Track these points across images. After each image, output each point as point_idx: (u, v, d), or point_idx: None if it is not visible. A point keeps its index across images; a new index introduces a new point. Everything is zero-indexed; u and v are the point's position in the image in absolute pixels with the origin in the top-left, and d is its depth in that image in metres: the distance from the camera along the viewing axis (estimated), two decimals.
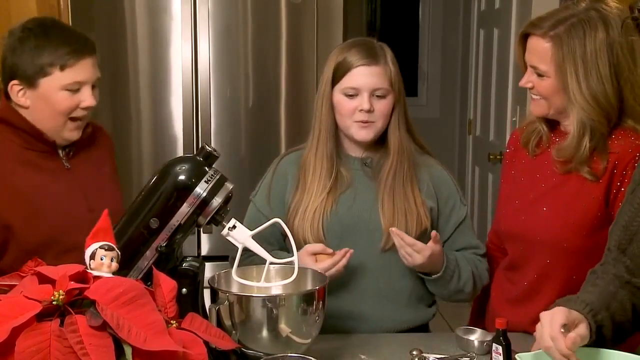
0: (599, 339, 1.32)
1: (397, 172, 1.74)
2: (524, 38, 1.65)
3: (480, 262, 1.80)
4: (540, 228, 1.65)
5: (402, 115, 1.76)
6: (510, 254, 1.76)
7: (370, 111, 1.70)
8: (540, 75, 1.60)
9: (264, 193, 1.82)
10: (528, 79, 1.64)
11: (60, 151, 1.70)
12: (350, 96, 1.71)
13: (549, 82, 1.59)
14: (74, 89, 1.62)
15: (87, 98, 1.64)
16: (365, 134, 1.73)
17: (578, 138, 1.58)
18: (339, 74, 1.72)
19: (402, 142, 1.75)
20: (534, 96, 1.66)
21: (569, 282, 1.64)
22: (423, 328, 1.83)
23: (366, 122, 1.71)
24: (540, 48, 1.59)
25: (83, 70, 1.62)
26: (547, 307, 1.62)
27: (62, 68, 1.59)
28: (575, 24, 1.55)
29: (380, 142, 1.77)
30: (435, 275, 1.72)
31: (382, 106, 1.71)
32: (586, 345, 1.30)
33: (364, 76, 1.70)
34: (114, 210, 1.77)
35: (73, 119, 1.65)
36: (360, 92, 1.70)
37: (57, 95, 1.61)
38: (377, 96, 1.70)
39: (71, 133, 1.66)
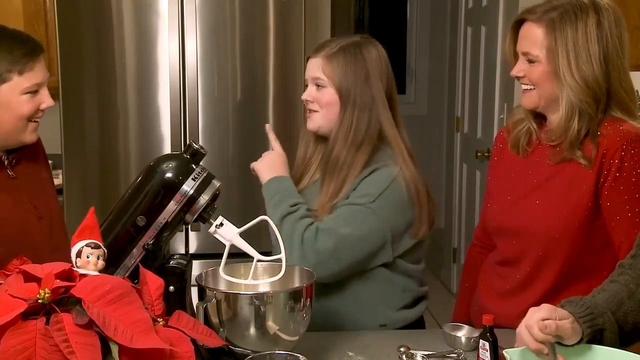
0: (600, 342, 1.32)
1: (331, 157, 1.71)
2: (516, 27, 1.67)
3: (308, 228, 1.65)
4: (533, 221, 1.67)
5: (354, 120, 1.70)
6: (502, 250, 1.76)
7: (309, 101, 1.75)
8: (531, 61, 1.62)
9: None
10: (519, 68, 1.65)
11: (4, 161, 1.66)
12: (305, 86, 1.78)
13: (540, 68, 1.61)
14: (34, 90, 1.59)
15: (46, 99, 1.62)
16: (309, 123, 1.77)
17: (566, 118, 1.60)
18: None
19: (342, 129, 1.70)
20: (524, 87, 1.66)
21: (561, 275, 1.65)
22: (418, 324, 1.83)
23: (309, 111, 1.76)
24: (533, 33, 1.61)
25: (39, 71, 1.60)
26: (537, 300, 1.64)
27: (21, 72, 1.56)
28: (568, 10, 1.59)
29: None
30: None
31: (319, 96, 1.74)
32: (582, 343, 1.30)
33: (309, 67, 1.76)
34: (59, 216, 1.78)
35: (32, 121, 1.63)
36: (308, 83, 1.77)
37: (18, 100, 1.58)
38: (318, 85, 1.74)
39: (31, 135, 1.64)
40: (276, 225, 1.53)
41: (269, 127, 1.85)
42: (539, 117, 1.72)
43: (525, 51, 1.63)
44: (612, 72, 1.60)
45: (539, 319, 1.26)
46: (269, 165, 1.77)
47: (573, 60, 1.58)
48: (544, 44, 1.59)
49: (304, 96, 1.76)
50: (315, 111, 1.75)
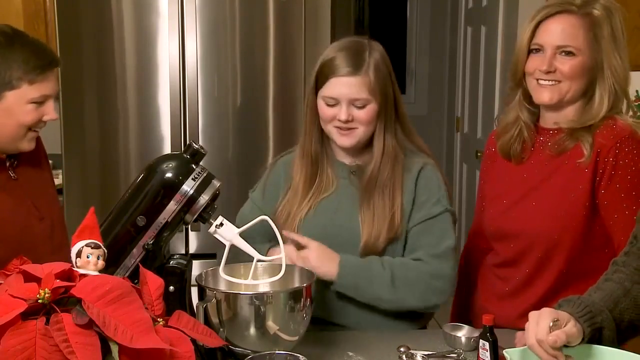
0: (599, 341, 1.32)
1: (378, 179, 1.70)
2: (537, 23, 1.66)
3: (421, 264, 1.66)
4: (531, 223, 1.67)
5: (390, 120, 1.71)
6: (501, 252, 1.76)
7: (349, 120, 1.67)
8: (569, 53, 1.62)
9: (261, 191, 1.83)
10: (551, 62, 1.62)
11: (6, 162, 1.65)
12: (330, 105, 1.68)
13: (578, 60, 1.62)
14: (40, 101, 1.59)
15: (50, 111, 1.61)
16: (346, 141, 1.70)
17: (607, 104, 1.62)
18: (321, 78, 1.68)
19: (385, 148, 1.71)
20: (546, 82, 1.64)
21: (561, 276, 1.66)
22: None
23: (346, 129, 1.68)
24: (572, 25, 1.62)
25: (50, 84, 1.59)
26: (537, 301, 1.64)
27: (32, 82, 1.55)
28: (608, 6, 1.63)
29: (370, 146, 1.73)
30: (339, 284, 1.65)
31: (362, 115, 1.67)
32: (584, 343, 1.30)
33: (343, 87, 1.65)
34: (59, 216, 1.77)
35: (32, 130, 1.62)
36: (339, 101, 1.67)
37: (23, 108, 1.57)
38: (357, 106, 1.67)
39: (29, 144, 1.63)
40: (395, 296, 1.64)
41: (287, 233, 1.67)
42: (534, 116, 1.72)
43: (563, 44, 1.62)
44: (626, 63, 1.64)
45: (547, 330, 1.25)
46: (324, 258, 1.64)
47: (616, 50, 1.61)
48: (588, 35, 1.61)
49: (343, 117, 1.65)
50: (354, 128, 1.68)
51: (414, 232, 1.70)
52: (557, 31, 1.63)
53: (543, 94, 1.65)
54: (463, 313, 1.89)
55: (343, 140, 1.70)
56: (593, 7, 1.63)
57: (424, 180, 1.73)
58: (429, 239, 1.69)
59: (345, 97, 1.66)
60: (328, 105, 1.68)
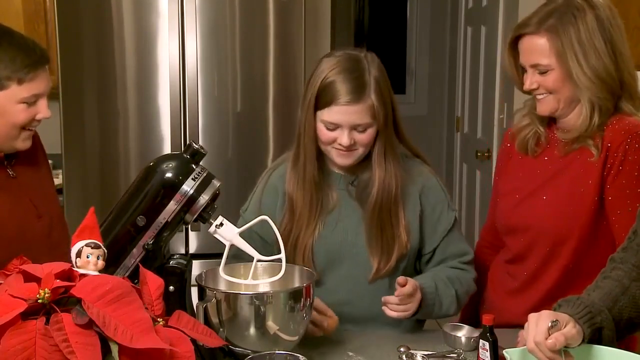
0: (599, 341, 1.32)
1: (383, 201, 1.70)
2: (513, 44, 1.68)
3: (465, 273, 1.76)
4: (540, 217, 1.68)
5: (390, 136, 1.70)
6: (511, 247, 1.77)
7: (349, 145, 1.65)
8: (542, 72, 1.63)
9: (255, 208, 1.77)
10: (532, 80, 1.65)
11: (4, 160, 1.64)
12: (330, 129, 1.65)
13: (553, 75, 1.62)
14: (31, 101, 1.56)
15: (43, 110, 1.58)
16: (345, 161, 1.68)
17: (590, 116, 1.62)
18: (321, 101, 1.63)
19: (387, 170, 1.70)
20: (539, 96, 1.66)
21: (568, 272, 1.66)
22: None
23: (345, 151, 1.66)
24: (537, 44, 1.62)
25: (40, 82, 1.56)
26: (545, 297, 1.65)
27: (20, 82, 1.52)
28: (565, 12, 1.60)
29: (366, 157, 1.71)
30: (417, 315, 1.67)
31: (363, 138, 1.65)
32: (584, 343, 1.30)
33: (345, 115, 1.62)
34: (58, 214, 1.76)
35: (26, 129, 1.60)
36: (340, 127, 1.64)
37: (14, 109, 1.54)
38: (359, 130, 1.64)
39: (24, 143, 1.61)
40: (458, 309, 1.75)
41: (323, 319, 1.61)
42: (546, 119, 1.73)
43: (535, 63, 1.63)
44: (620, 62, 1.61)
45: (546, 332, 1.25)
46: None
47: (583, 60, 1.58)
48: (552, 51, 1.60)
49: (346, 142, 1.63)
50: (355, 149, 1.66)
51: (441, 245, 1.76)
52: (526, 52, 1.65)
53: (542, 107, 1.68)
54: (474, 310, 1.89)
55: (342, 160, 1.69)
56: (550, 17, 1.61)
57: (431, 194, 1.76)
58: (455, 248, 1.78)
59: (348, 124, 1.63)
60: (328, 129, 1.65)
